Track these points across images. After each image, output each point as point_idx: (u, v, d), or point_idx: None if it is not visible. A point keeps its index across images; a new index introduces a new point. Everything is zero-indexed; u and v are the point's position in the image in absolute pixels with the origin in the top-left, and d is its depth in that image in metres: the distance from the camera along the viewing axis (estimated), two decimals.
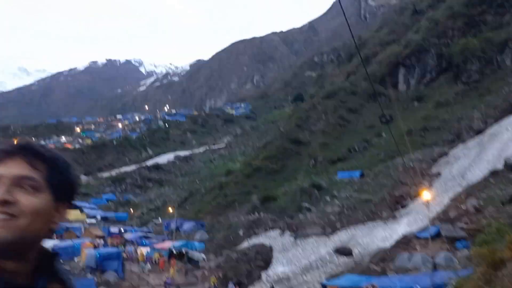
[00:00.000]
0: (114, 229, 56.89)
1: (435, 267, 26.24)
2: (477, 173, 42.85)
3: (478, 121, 55.79)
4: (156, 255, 41.25)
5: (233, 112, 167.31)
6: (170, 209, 60.42)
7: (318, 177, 62.28)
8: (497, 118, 54.20)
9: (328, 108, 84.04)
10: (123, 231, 56.92)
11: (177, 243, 42.53)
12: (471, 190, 39.47)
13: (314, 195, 55.48)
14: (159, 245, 44.74)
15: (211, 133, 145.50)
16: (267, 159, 73.93)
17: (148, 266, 37.93)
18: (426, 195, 33.46)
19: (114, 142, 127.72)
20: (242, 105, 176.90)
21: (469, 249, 28.28)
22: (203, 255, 41.93)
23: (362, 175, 57.42)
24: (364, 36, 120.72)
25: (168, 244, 43.69)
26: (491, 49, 71.41)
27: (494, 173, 40.49)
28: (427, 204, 31.37)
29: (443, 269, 26.23)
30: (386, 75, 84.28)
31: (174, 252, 41.47)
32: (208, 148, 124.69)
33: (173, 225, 50.74)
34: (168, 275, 34.46)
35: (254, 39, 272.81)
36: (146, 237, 52.05)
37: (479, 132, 54.11)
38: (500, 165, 41.38)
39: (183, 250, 41.49)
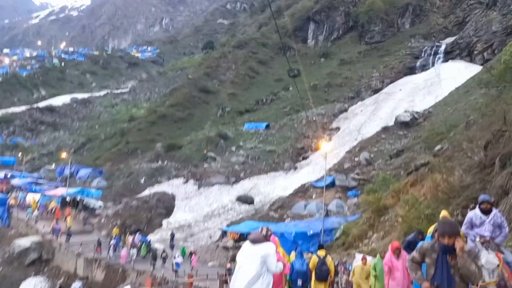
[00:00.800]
0: None
1: (327, 213, 28.05)
2: (371, 129, 46.26)
3: (376, 81, 59.65)
4: (52, 203, 38.31)
5: (139, 55, 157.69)
6: (65, 155, 56.21)
7: (225, 127, 62.24)
8: (393, 79, 58.50)
9: (238, 58, 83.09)
10: (9, 176, 52.05)
11: (72, 190, 39.84)
12: (364, 144, 42.57)
13: (220, 145, 55.51)
14: (51, 192, 41.61)
15: (114, 76, 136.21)
16: (174, 106, 71.59)
17: (36, 213, 35.13)
18: (325, 147, 35.18)
19: (0, 79, 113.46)
20: (149, 48, 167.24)
21: (359, 197, 30.74)
22: (100, 203, 40.01)
23: (268, 127, 58.64)
24: None
25: (61, 191, 40.78)
26: (394, 12, 75.47)
27: (385, 129, 44.05)
28: (325, 156, 32.97)
29: (334, 215, 28.19)
30: (297, 29, 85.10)
31: (68, 199, 38.92)
32: (109, 92, 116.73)
33: (67, 171, 47.30)
34: (55, 222, 32.25)
35: None
36: (37, 184, 48.06)
37: (376, 90, 58.08)
38: (391, 122, 45.03)
39: (78, 198, 39.11)
